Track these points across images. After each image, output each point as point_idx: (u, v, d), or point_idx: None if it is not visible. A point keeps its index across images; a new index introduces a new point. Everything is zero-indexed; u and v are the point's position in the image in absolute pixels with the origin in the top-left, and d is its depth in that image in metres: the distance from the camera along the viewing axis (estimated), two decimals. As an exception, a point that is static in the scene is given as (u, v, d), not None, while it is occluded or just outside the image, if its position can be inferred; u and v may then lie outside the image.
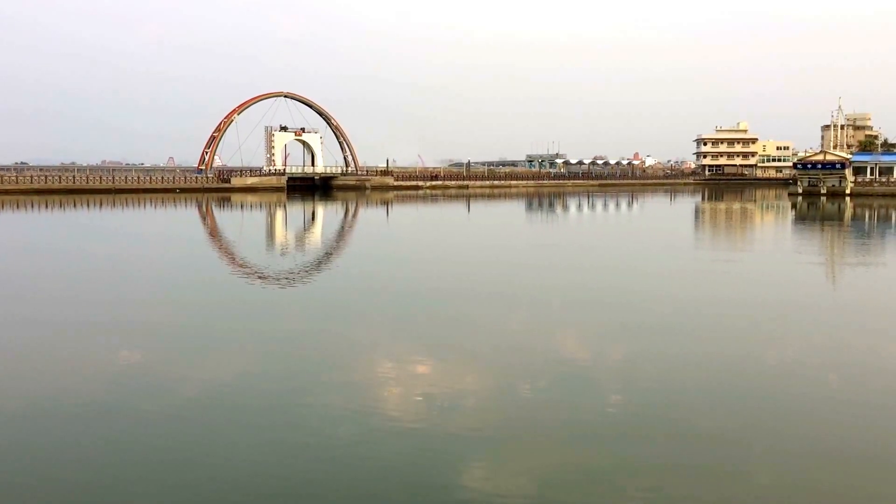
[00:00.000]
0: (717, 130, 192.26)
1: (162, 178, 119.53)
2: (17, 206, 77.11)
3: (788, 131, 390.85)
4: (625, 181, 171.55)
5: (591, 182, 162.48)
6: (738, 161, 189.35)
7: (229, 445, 11.84)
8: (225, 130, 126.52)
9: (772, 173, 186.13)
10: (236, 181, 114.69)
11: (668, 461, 11.21)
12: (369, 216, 75.46)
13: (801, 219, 70.61)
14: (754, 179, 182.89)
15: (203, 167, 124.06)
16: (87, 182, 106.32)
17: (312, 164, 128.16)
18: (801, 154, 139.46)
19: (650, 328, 20.17)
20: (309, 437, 12.21)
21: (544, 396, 14.36)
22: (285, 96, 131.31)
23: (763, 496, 10.03)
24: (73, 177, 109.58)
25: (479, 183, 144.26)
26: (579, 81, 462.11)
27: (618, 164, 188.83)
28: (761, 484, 10.40)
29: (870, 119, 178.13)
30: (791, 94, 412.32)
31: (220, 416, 13.26)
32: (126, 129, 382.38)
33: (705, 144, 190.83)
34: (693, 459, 11.31)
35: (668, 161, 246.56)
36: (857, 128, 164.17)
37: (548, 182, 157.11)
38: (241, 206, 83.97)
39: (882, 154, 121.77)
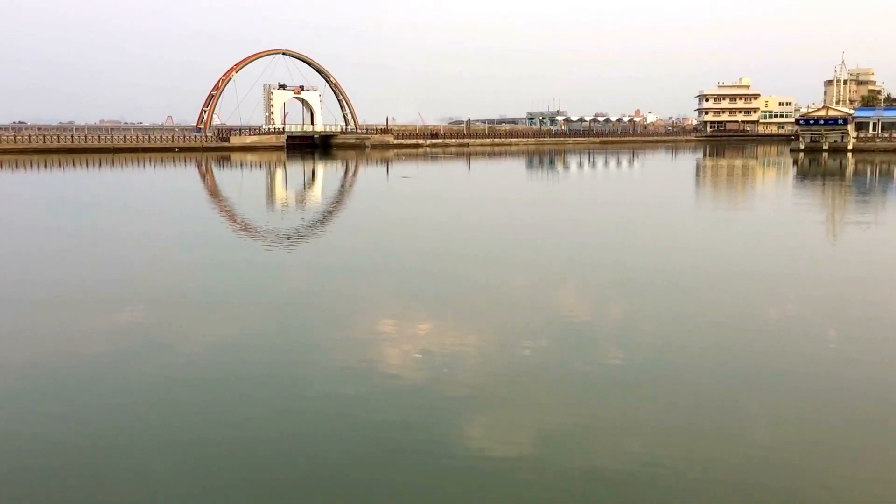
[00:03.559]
0: (720, 86, 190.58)
1: (161, 137, 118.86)
2: (16, 166, 76.85)
3: (791, 87, 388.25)
4: (626, 138, 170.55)
5: (593, 139, 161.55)
6: (739, 117, 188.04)
7: (232, 404, 12.00)
8: (223, 89, 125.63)
9: (774, 129, 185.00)
10: (235, 140, 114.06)
11: (668, 418, 11.39)
12: (369, 175, 75.22)
13: (802, 175, 70.35)
14: (756, 136, 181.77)
15: (202, 126, 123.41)
16: (86, 141, 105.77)
17: (312, 123, 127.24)
18: (804, 110, 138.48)
19: (650, 287, 20.28)
20: (312, 395, 12.38)
21: (545, 354, 14.52)
22: (283, 53, 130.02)
23: (763, 453, 10.18)
24: (72, 136, 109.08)
25: (479, 141, 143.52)
26: (581, 37, 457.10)
27: (619, 121, 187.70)
28: (761, 442, 10.56)
29: (873, 74, 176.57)
30: (794, 50, 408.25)
31: (221, 375, 13.40)
32: (124, 88, 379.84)
33: (707, 101, 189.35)
34: (693, 417, 11.48)
35: (670, 118, 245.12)
36: (860, 83, 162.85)
37: (548, 139, 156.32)
38: (241, 165, 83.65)
39: (885, 109, 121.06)
